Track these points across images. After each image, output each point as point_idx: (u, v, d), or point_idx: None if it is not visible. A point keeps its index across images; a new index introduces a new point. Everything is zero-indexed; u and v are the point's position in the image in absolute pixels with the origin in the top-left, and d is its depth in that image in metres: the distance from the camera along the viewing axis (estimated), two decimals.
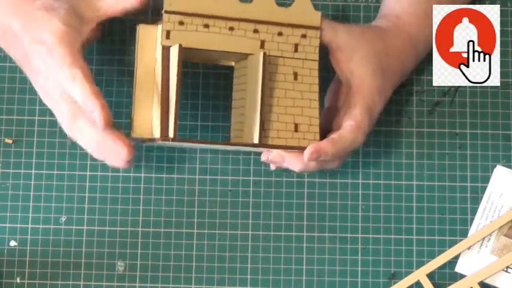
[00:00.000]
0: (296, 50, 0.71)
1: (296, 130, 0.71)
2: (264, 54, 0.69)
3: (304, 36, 0.71)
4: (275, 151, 0.71)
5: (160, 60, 0.69)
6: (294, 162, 0.71)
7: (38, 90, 0.70)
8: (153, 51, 0.71)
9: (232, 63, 0.75)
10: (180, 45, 0.68)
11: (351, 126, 0.70)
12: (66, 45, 0.67)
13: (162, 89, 0.69)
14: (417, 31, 0.75)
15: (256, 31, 0.70)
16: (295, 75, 0.71)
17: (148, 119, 0.70)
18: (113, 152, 0.68)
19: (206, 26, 0.69)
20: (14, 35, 0.69)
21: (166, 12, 0.68)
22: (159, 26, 0.70)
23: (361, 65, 0.71)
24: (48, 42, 0.67)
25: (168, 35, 0.69)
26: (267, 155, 0.72)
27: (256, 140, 0.69)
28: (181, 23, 0.69)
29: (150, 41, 0.71)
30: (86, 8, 0.70)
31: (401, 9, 0.75)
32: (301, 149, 0.70)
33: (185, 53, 0.69)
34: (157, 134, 0.69)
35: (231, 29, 0.69)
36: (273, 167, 0.74)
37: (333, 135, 0.70)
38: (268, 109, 0.70)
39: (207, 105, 0.79)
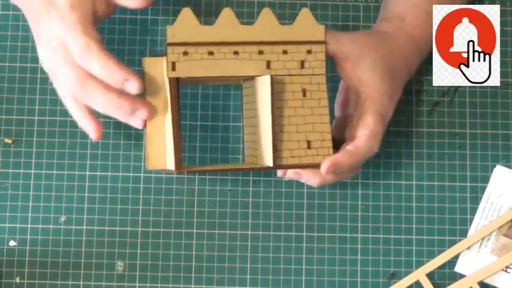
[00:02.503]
0: (303, 67, 0.71)
1: (309, 147, 0.71)
2: (272, 78, 0.69)
3: (309, 51, 0.71)
4: (291, 170, 0.71)
5: (169, 92, 0.69)
6: (312, 178, 0.71)
7: (39, 49, 0.69)
8: (160, 83, 0.70)
9: (241, 82, 0.75)
10: (172, 78, 0.69)
11: (366, 136, 0.70)
12: (77, 11, 0.66)
13: (172, 120, 0.69)
14: (420, 31, 0.75)
15: (261, 52, 0.70)
16: (304, 91, 0.71)
17: (161, 151, 0.71)
18: (132, 113, 0.68)
19: (211, 53, 0.69)
20: None
21: (169, 44, 0.68)
22: (164, 58, 0.69)
23: (368, 71, 0.71)
24: (59, 5, 0.66)
25: (173, 66, 0.69)
26: (283, 172, 0.72)
27: (270, 164, 0.69)
28: (185, 53, 0.69)
29: (156, 73, 0.70)
30: None
31: (403, 11, 0.75)
32: (316, 166, 0.70)
33: (193, 80, 0.70)
34: (171, 166, 0.70)
35: (236, 53, 0.69)
36: (287, 178, 0.75)
37: (349, 147, 0.70)
38: (279, 129, 0.70)
39: (206, 104, 0.79)
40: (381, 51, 0.72)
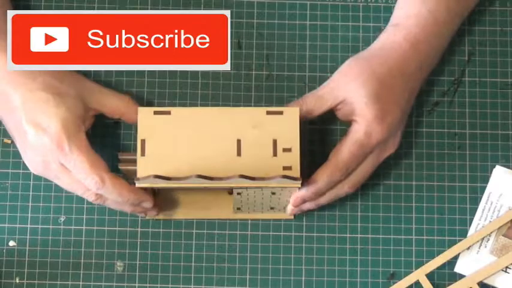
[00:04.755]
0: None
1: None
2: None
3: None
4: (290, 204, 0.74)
5: None
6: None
7: (26, 161, 0.71)
8: None
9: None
10: None
11: (326, 174, 0.71)
12: (73, 137, 0.67)
13: None
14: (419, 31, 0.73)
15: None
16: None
17: None
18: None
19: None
20: (10, 105, 0.68)
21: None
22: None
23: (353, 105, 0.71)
24: (52, 131, 0.67)
25: None
26: (292, 210, 0.75)
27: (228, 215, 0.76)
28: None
29: None
30: (91, 99, 0.71)
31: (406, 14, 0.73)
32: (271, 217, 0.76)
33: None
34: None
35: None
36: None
37: (309, 180, 0.71)
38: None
39: (205, 105, 0.79)
40: (362, 78, 0.71)
